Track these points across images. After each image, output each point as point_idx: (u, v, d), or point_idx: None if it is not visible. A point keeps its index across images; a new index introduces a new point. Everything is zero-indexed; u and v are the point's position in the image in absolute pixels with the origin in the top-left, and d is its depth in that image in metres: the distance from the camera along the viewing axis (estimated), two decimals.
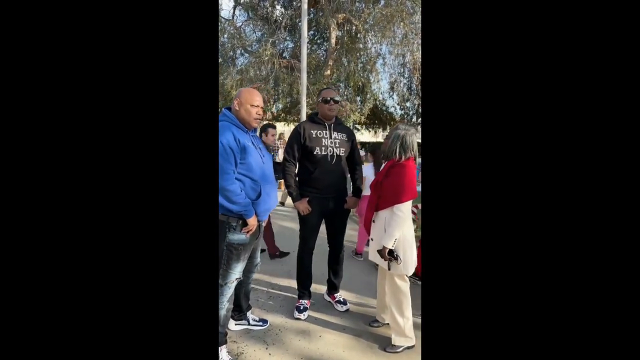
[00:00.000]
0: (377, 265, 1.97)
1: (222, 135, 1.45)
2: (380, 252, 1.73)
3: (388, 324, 2.05)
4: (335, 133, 2.08)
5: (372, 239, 1.85)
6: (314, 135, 2.02)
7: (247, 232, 1.58)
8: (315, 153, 2.00)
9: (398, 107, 13.98)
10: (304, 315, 2.10)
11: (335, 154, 2.05)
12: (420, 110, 13.99)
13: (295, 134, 2.06)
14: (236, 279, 1.63)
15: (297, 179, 2.10)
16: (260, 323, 1.98)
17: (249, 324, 1.96)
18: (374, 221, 1.85)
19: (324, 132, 2.05)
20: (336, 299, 2.28)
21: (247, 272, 1.81)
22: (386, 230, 1.71)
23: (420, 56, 10.66)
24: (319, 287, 2.41)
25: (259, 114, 1.62)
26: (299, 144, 2.03)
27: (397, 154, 1.73)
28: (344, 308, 2.22)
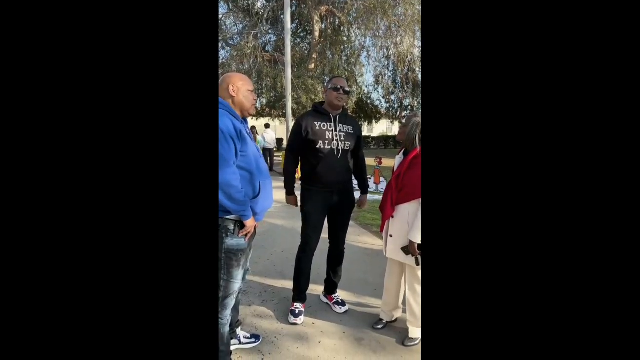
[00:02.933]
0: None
1: (220, 121, 1.27)
2: (406, 248, 1.63)
3: (394, 321, 1.95)
4: (340, 125, 1.92)
5: (391, 236, 1.74)
6: (317, 128, 1.86)
7: (245, 235, 1.41)
8: (318, 147, 1.85)
9: (383, 100, 13.96)
10: (300, 319, 1.96)
11: (340, 148, 1.89)
12: (403, 103, 14.02)
13: (296, 127, 1.90)
14: (239, 288, 1.48)
15: (296, 172, 1.99)
16: (252, 340, 1.79)
17: (240, 343, 1.77)
18: (392, 217, 1.72)
19: (329, 124, 1.89)
20: (334, 300, 2.15)
21: None
22: (414, 224, 1.59)
23: (404, 49, 10.63)
24: (314, 288, 2.27)
25: (255, 99, 1.48)
26: (299, 139, 1.88)
27: (418, 142, 1.63)
28: (343, 309, 2.09)
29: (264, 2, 11.06)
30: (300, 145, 1.90)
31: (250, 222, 1.39)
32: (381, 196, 5.31)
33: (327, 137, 1.86)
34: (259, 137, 9.04)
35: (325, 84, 2.00)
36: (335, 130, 1.89)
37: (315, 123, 1.87)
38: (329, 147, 1.87)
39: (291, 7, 9.13)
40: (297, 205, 1.95)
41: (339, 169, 1.91)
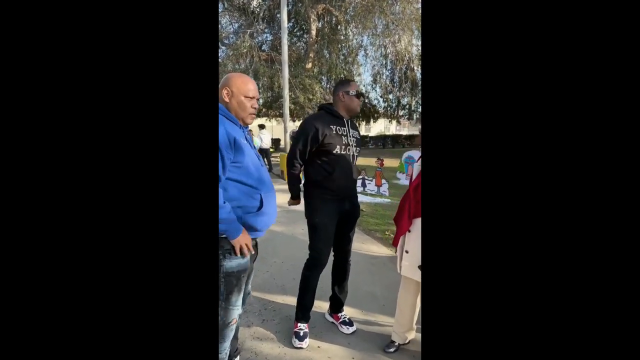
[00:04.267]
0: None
1: None
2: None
3: (407, 344, 1.78)
4: (351, 130, 1.80)
5: (407, 252, 1.56)
6: (334, 132, 1.70)
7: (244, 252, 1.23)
8: (335, 152, 1.70)
9: (381, 99, 13.80)
10: (305, 343, 1.78)
11: (353, 154, 1.78)
12: (401, 102, 13.87)
13: (310, 131, 1.66)
14: (238, 315, 1.30)
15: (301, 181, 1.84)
16: None
17: None
18: (409, 231, 1.55)
19: (343, 128, 1.75)
20: (340, 320, 1.97)
21: None
22: None
23: (402, 47, 10.47)
24: (318, 304, 2.09)
25: (255, 108, 1.28)
26: (314, 143, 1.67)
27: None
28: (351, 330, 1.91)
29: (260, 1, 10.86)
30: (309, 152, 1.71)
31: (239, 240, 1.19)
32: (383, 199, 5.13)
33: (343, 142, 1.73)
34: (256, 139, 8.96)
35: (338, 88, 1.79)
36: (349, 135, 1.76)
37: (332, 127, 1.71)
38: (345, 152, 1.73)
39: (287, 6, 8.95)
40: (298, 204, 1.82)
41: (351, 175, 1.79)
